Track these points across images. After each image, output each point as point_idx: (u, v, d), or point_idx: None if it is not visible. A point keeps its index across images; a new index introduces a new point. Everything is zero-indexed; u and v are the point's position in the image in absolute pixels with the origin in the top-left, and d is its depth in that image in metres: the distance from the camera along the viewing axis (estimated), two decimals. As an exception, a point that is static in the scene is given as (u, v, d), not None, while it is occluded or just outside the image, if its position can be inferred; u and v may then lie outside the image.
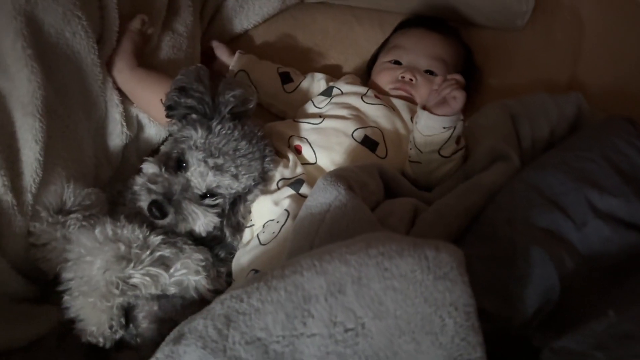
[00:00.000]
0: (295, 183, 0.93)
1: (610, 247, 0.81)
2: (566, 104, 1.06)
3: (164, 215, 0.83)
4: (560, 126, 1.04)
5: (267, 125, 1.04)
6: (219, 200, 0.89)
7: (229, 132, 0.87)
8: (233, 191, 0.89)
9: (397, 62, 1.16)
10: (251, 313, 0.54)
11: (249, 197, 0.92)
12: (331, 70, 1.28)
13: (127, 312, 0.83)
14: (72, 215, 0.83)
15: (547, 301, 0.75)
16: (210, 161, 0.85)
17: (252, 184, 0.91)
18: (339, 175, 0.81)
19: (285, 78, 1.14)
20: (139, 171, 0.90)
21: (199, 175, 0.85)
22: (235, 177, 0.87)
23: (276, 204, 0.91)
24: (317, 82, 1.16)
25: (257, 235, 0.89)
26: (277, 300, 0.54)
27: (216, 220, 0.88)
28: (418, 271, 0.54)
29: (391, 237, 0.59)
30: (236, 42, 1.29)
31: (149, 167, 0.87)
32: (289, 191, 0.92)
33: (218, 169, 0.85)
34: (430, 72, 1.14)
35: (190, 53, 1.11)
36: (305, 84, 1.15)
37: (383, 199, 0.91)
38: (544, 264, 0.77)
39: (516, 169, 0.94)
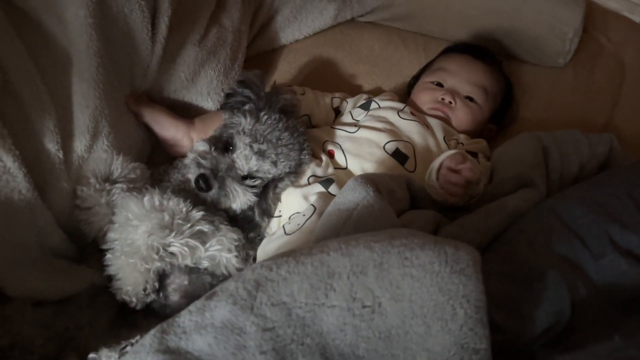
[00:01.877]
0: (326, 181, 0.98)
1: (625, 281, 0.82)
2: (598, 143, 1.07)
3: (208, 188, 0.90)
4: (590, 164, 1.06)
5: (305, 131, 1.10)
6: (257, 182, 0.95)
7: (274, 122, 0.94)
8: (270, 176, 0.95)
9: (439, 84, 1.20)
10: (279, 281, 0.58)
11: (280, 184, 0.98)
12: (372, 86, 1.32)
13: (161, 280, 0.87)
14: (117, 185, 0.88)
15: (556, 322, 0.77)
16: (255, 146, 0.92)
17: (287, 171, 0.97)
18: (369, 178, 0.85)
19: (337, 112, 1.20)
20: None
21: (244, 157, 0.92)
22: (274, 163, 0.94)
23: (305, 198, 0.96)
24: (358, 101, 1.21)
25: (283, 226, 0.94)
26: (304, 273, 0.59)
27: (253, 199, 0.95)
28: (436, 263, 0.57)
29: (414, 232, 0.63)
30: (282, 50, 1.33)
31: (200, 145, 0.94)
32: (319, 188, 0.97)
33: (261, 154, 0.92)
34: (470, 99, 1.18)
35: (235, 47, 1.13)
36: (349, 107, 1.20)
37: (408, 209, 0.94)
38: (558, 288, 0.79)
39: (541, 197, 0.95)
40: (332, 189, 0.97)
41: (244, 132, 0.93)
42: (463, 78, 1.18)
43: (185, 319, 0.58)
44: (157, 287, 0.86)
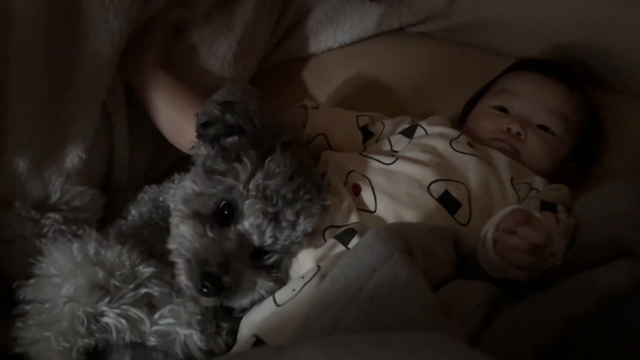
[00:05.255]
0: (345, 234, 0.71)
1: None
2: None
3: (220, 290, 0.64)
4: None
5: (325, 154, 0.85)
6: (274, 258, 0.69)
7: (284, 169, 0.67)
8: (287, 243, 0.69)
9: (503, 109, 0.95)
10: None
11: (295, 248, 0.71)
12: (418, 112, 1.09)
13: (92, 357, 0.65)
14: (50, 214, 0.68)
15: None
16: (270, 210, 0.65)
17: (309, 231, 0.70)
18: (397, 232, 0.59)
19: (367, 134, 0.94)
20: (164, 224, 0.71)
21: (256, 229, 0.66)
22: (294, 225, 0.67)
23: (318, 262, 0.69)
24: (399, 125, 0.96)
25: (274, 296, 0.68)
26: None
27: (272, 288, 0.68)
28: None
29: (462, 348, 0.36)
30: (310, 60, 1.15)
31: (184, 227, 0.67)
32: (338, 247, 0.70)
33: (276, 219, 0.66)
34: (544, 128, 0.93)
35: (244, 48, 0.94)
36: (386, 131, 0.95)
37: (453, 277, 0.68)
38: None
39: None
40: (354, 244, 0.70)
41: (248, 191, 0.66)
42: (535, 102, 0.94)
43: None
44: None
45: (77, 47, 0.73)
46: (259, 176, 0.65)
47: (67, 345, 0.61)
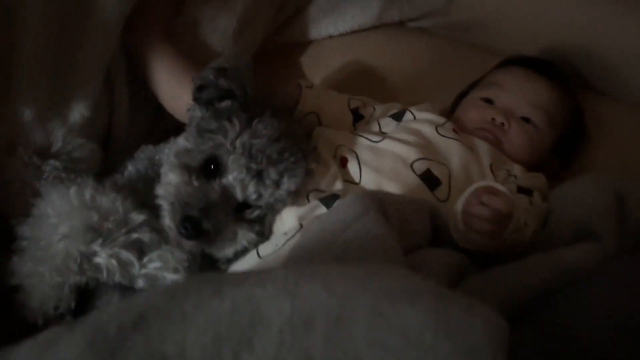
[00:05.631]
0: (330, 198, 0.75)
1: None
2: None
3: (199, 234, 0.68)
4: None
5: (317, 130, 0.89)
6: (256, 212, 0.73)
7: (271, 131, 0.71)
8: (271, 201, 0.73)
9: (489, 101, 0.98)
10: (174, 318, 0.37)
11: (279, 205, 0.75)
12: (410, 102, 1.11)
13: (81, 297, 0.68)
14: (51, 161, 0.71)
15: None
16: (253, 167, 0.70)
17: (292, 190, 0.74)
18: (375, 197, 0.63)
19: (357, 116, 0.98)
20: (159, 180, 0.74)
21: (239, 183, 0.70)
22: (277, 184, 0.72)
23: (301, 221, 0.74)
24: (391, 109, 1.00)
25: (257, 249, 0.72)
26: (216, 312, 0.37)
27: (253, 239, 0.73)
28: (429, 332, 0.34)
29: (412, 276, 0.40)
30: (310, 46, 1.17)
31: (173, 175, 0.71)
32: (320, 209, 0.74)
33: (260, 176, 0.70)
34: (527, 120, 0.95)
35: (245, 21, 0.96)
36: (376, 114, 0.99)
37: (426, 247, 0.71)
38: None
39: (608, 254, 0.71)
40: None
41: (235, 148, 0.70)
42: (520, 96, 0.97)
43: (22, 351, 0.37)
44: (73, 307, 0.67)
45: (86, 10, 0.76)
46: (245, 135, 0.69)
47: (59, 280, 0.64)
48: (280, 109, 0.75)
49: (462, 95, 1.08)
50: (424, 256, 0.65)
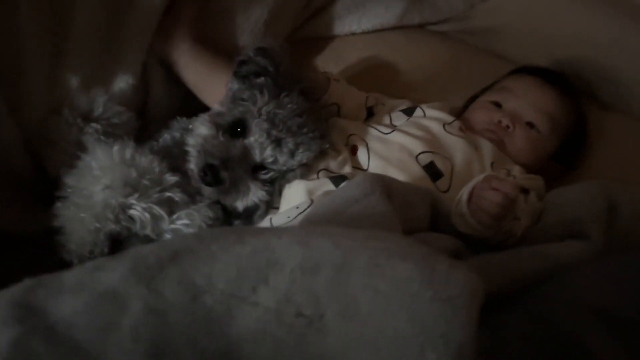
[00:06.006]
0: (338, 178, 0.82)
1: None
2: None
3: (218, 182, 0.76)
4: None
5: (332, 119, 0.95)
6: (270, 174, 0.81)
7: (296, 106, 0.80)
8: (284, 168, 0.81)
9: (498, 105, 1.03)
10: (203, 256, 0.44)
11: (289, 176, 0.83)
12: (423, 100, 1.17)
13: (113, 245, 0.75)
14: (93, 124, 0.78)
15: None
16: (273, 133, 0.78)
17: (303, 163, 0.83)
18: (383, 179, 0.69)
19: (370, 113, 1.05)
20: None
21: (259, 146, 0.78)
22: (292, 154, 0.80)
23: (310, 193, 0.81)
24: (402, 105, 1.06)
25: (271, 218, 0.79)
26: (238, 253, 0.43)
27: (264, 198, 0.81)
28: (416, 282, 0.41)
29: (404, 239, 0.46)
30: (334, 40, 1.22)
31: (203, 128, 0.80)
32: (328, 185, 0.81)
33: (278, 143, 0.79)
34: (531, 125, 1.01)
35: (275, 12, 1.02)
36: (388, 108, 1.05)
37: (425, 231, 0.78)
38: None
39: (595, 252, 0.76)
40: None
41: (260, 115, 0.78)
42: (528, 101, 1.02)
43: (72, 274, 0.44)
44: (106, 252, 0.74)
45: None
46: (272, 104, 0.78)
47: (97, 226, 0.71)
48: (307, 92, 0.84)
49: (474, 97, 1.13)
50: (423, 238, 0.71)
